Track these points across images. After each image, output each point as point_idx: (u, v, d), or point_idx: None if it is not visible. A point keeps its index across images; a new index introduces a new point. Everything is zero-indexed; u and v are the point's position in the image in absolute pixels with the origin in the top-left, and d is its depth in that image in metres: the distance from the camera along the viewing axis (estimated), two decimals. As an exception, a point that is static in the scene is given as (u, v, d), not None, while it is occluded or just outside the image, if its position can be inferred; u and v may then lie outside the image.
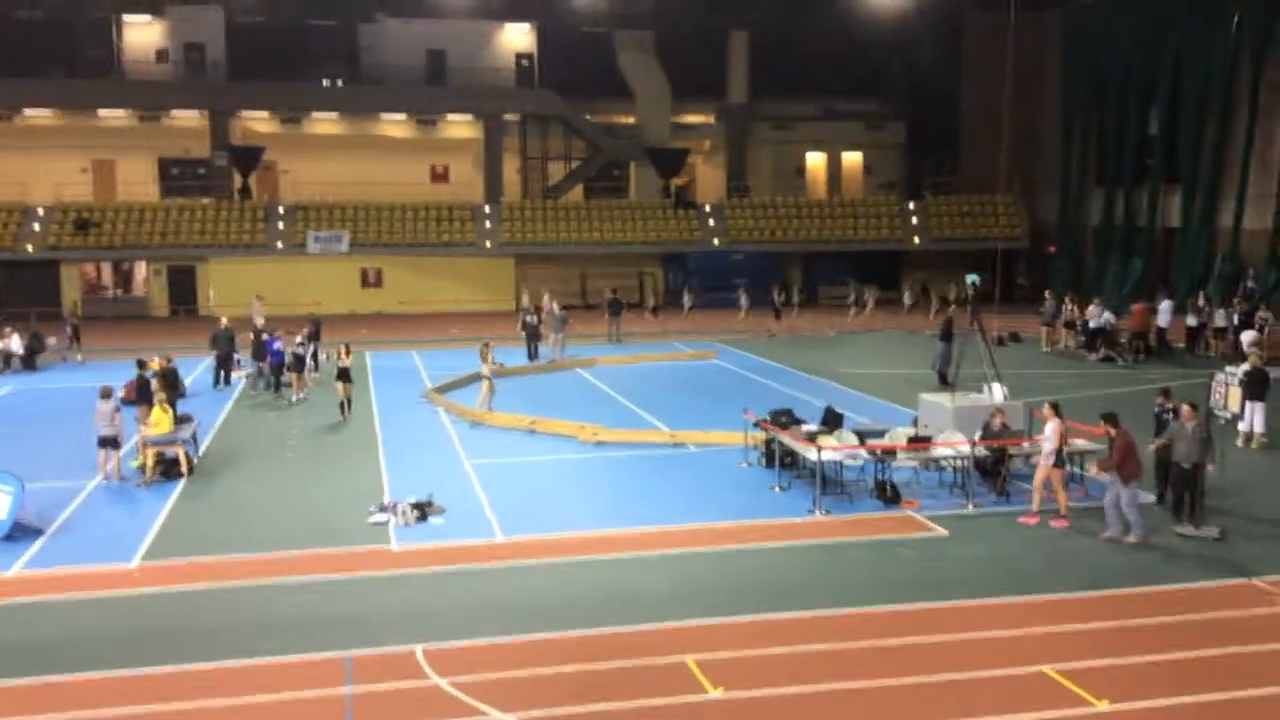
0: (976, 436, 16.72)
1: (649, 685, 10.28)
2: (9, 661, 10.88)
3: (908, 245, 49.35)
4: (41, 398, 25.97)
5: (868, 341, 35.94)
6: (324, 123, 51.30)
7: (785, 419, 18.17)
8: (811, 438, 16.90)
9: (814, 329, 38.22)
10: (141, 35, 49.41)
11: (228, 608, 12.33)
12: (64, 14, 47.22)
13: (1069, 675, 10.33)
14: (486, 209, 48.57)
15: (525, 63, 51.85)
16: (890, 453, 16.59)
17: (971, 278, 22.29)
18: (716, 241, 48.41)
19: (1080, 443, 16.55)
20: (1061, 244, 46.99)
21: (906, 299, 40.86)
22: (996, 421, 16.75)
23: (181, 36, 48.54)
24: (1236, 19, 38.18)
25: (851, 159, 56.83)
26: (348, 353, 23.14)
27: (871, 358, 32.04)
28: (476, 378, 24.60)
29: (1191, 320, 32.07)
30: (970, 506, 15.89)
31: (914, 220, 50.13)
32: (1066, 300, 34.44)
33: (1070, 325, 33.06)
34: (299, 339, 26.33)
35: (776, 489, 17.00)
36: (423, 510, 15.68)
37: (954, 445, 16.84)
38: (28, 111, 48.22)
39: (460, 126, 52.16)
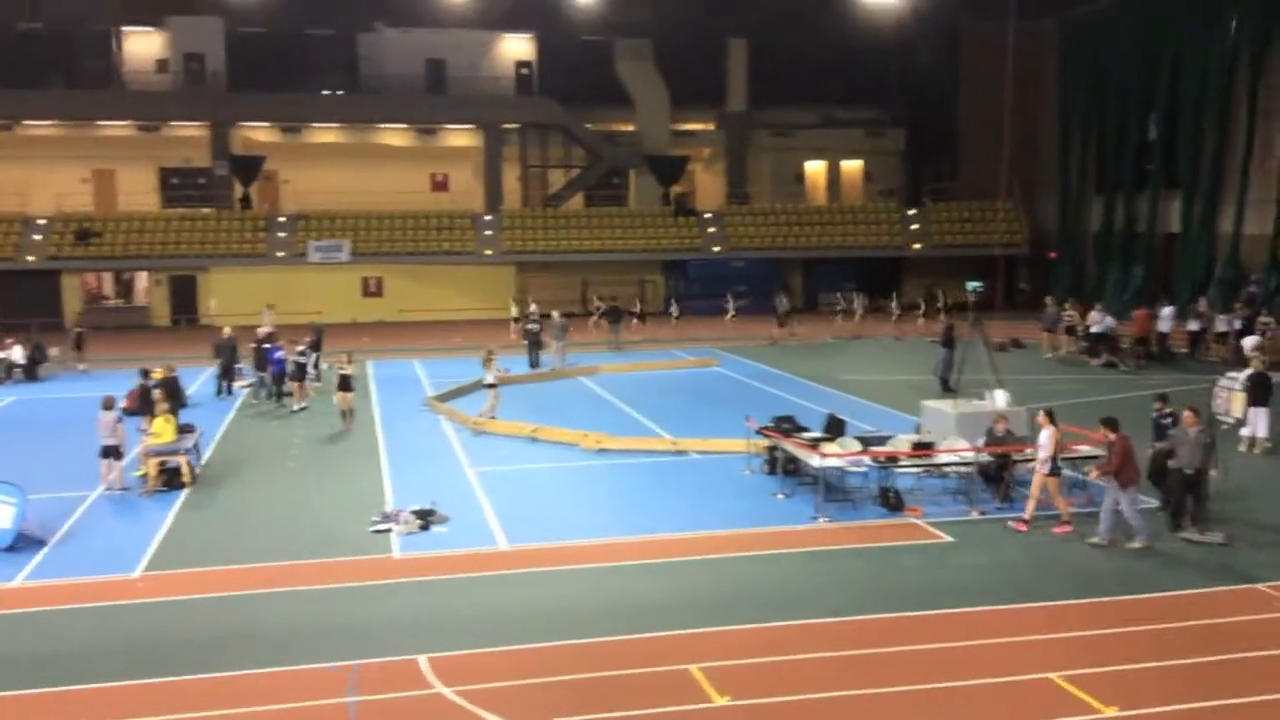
0: (980, 443, 16.70)
1: (654, 693, 10.25)
2: (12, 672, 10.85)
3: (908, 252, 49.37)
4: (43, 408, 25.97)
5: (868, 348, 35.93)
6: (324, 132, 51.37)
7: (788, 426, 18.16)
8: (814, 444, 16.89)
9: (814, 336, 38.16)
10: (141, 46, 49.52)
11: (231, 617, 12.31)
12: (64, 25, 47.29)
13: (1076, 682, 10.30)
14: (487, 217, 48.60)
15: (525, 71, 51.94)
16: (893, 459, 16.56)
17: (972, 284, 22.32)
18: (717, 249, 48.45)
19: (1084, 448, 16.52)
20: (1062, 250, 47.02)
21: (895, 307, 40.91)
22: (1000, 428, 16.73)
23: (181, 47, 48.63)
24: (1235, 23, 38.22)
25: (851, 166, 56.89)
26: (349, 361, 23.14)
27: (873, 364, 32.02)
28: (479, 386, 24.60)
29: (1193, 325, 32.09)
30: (974, 513, 15.87)
31: (914, 227, 50.16)
32: (1066, 306, 34.46)
33: (1071, 331, 33.06)
34: (300, 348, 26.32)
35: (780, 496, 16.98)
36: (425, 519, 15.66)
37: (958, 452, 16.80)
38: (28, 122, 48.28)
39: (460, 135, 52.23)
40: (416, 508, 15.93)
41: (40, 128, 48.60)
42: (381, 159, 51.28)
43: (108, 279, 48.87)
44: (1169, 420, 16.11)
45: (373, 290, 46.46)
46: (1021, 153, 49.56)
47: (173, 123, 49.30)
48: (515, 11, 47.43)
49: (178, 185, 49.92)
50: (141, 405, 21.44)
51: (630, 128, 53.04)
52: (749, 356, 33.56)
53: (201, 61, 48.49)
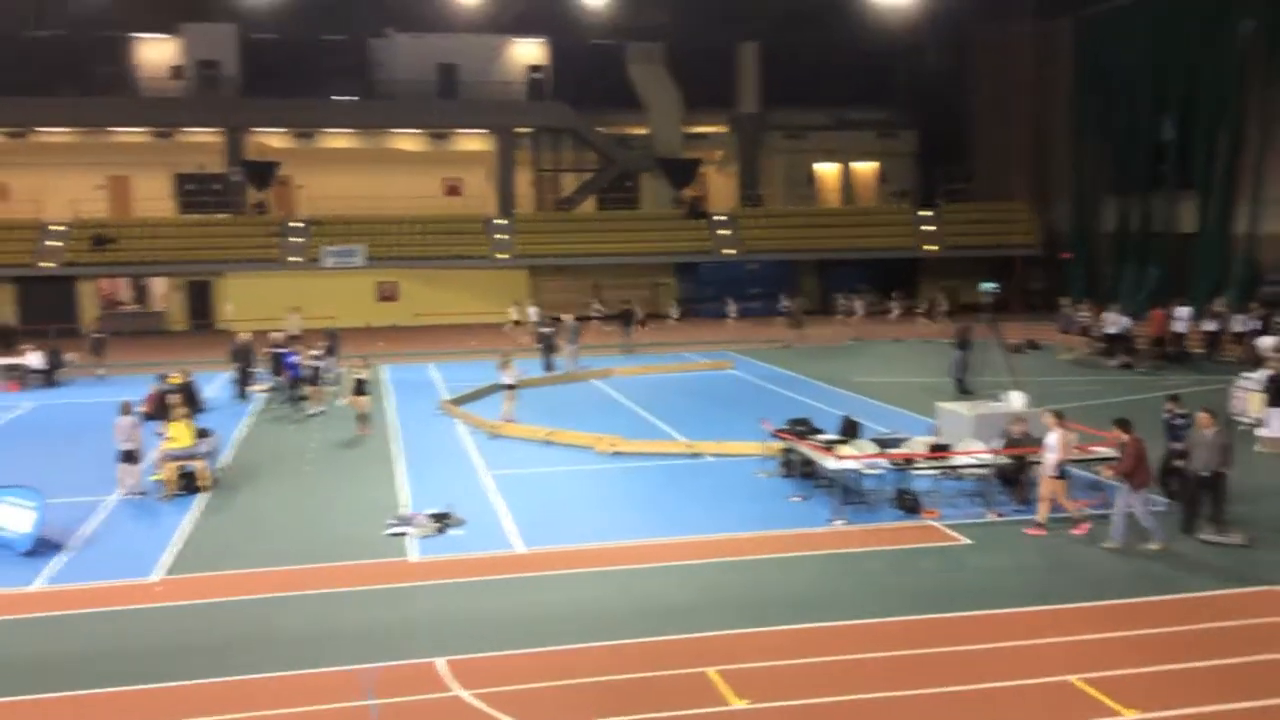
0: (997, 445, 16.64)
1: (671, 696, 10.25)
2: (32, 676, 10.91)
3: (922, 253, 49.27)
4: (62, 413, 26.09)
5: (881, 350, 35.86)
6: (337, 137, 51.56)
7: (803, 428, 18.14)
8: (829, 447, 16.86)
9: (825, 339, 38.07)
10: (156, 52, 49.78)
11: (249, 621, 12.35)
12: (78, 32, 47.55)
13: (1096, 684, 10.26)
14: (499, 221, 48.69)
15: (537, 75, 52.04)
16: (910, 461, 16.51)
17: (986, 286, 22.25)
18: (731, 251, 48.44)
19: (1102, 450, 16.44)
20: (1076, 251, 46.85)
21: (895, 310, 40.82)
22: (1017, 429, 16.68)
23: (195, 53, 48.86)
24: (1248, 23, 38.04)
25: (863, 168, 56.82)
26: (365, 366, 23.20)
27: (886, 366, 31.96)
28: (496, 389, 24.62)
29: (1209, 326, 31.93)
30: (992, 515, 15.82)
31: (928, 228, 50.06)
32: (1078, 306, 34.30)
33: (1085, 332, 32.93)
34: (316, 352, 26.42)
35: (797, 499, 16.96)
36: (442, 522, 15.69)
37: (974, 454, 16.76)
38: (43, 129, 48.57)
39: (473, 140, 52.34)
40: (433, 511, 15.96)
41: (55, 134, 48.90)
42: (394, 164, 51.45)
43: (124, 284, 49.14)
44: (1182, 422, 16.01)
45: (387, 295, 46.59)
46: (1035, 153, 49.52)
47: (187, 129, 49.55)
48: (526, 16, 47.50)
49: (192, 191, 50.17)
50: (159, 410, 21.54)
51: (642, 131, 53.07)
52: (763, 359, 33.53)
53: (215, 68, 48.71)
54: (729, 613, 12.31)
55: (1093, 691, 10.13)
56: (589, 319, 35.29)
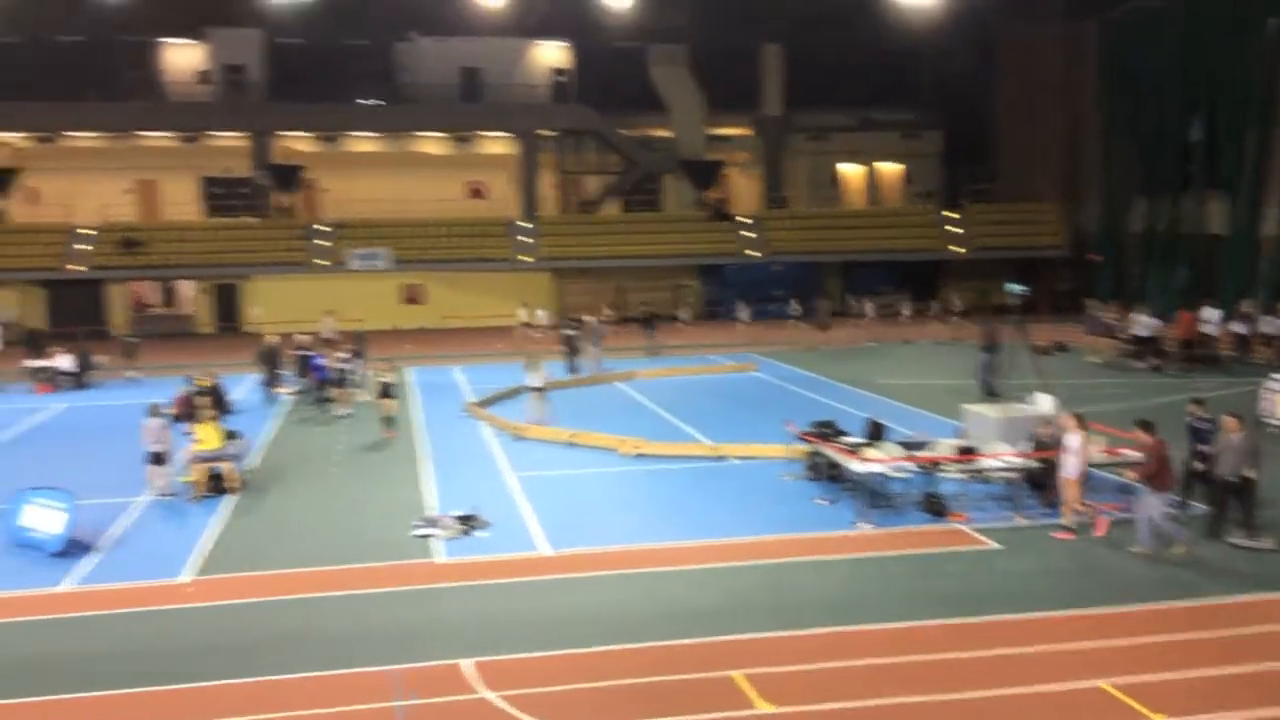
0: (1025, 447, 16.54)
1: (697, 700, 10.24)
2: (62, 676, 11.01)
3: (947, 255, 49.04)
4: (92, 415, 26.32)
5: (906, 352, 35.70)
6: (362, 141, 51.84)
7: (828, 431, 18.08)
8: (855, 449, 16.80)
9: (849, 340, 37.91)
10: (183, 57, 50.22)
11: (277, 622, 12.43)
12: (107, 38, 48.03)
13: (1126, 690, 10.19)
14: (523, 224, 48.80)
15: (560, 78, 52.15)
16: (936, 464, 16.43)
17: (1013, 287, 22.11)
18: (755, 253, 48.36)
19: (1131, 454, 16.30)
20: (1104, 252, 46.50)
21: (905, 310, 40.56)
22: (1045, 432, 16.56)
23: (222, 58, 49.25)
24: (1275, 22, 37.64)
25: (888, 169, 56.62)
26: (391, 369, 23.29)
27: (911, 368, 31.81)
28: (523, 390, 24.65)
29: (1238, 328, 31.62)
30: (1020, 519, 15.72)
31: (953, 229, 49.83)
32: (1105, 307, 34.02)
33: (1112, 334, 32.66)
34: (342, 355, 26.56)
35: (822, 502, 16.91)
36: (467, 524, 15.74)
37: (1002, 457, 16.66)
38: (72, 134, 49.06)
39: (496, 143, 52.50)
40: (459, 513, 16.02)
41: (84, 139, 49.40)
42: (419, 167, 51.66)
43: (152, 288, 49.57)
44: (1205, 425, 15.81)
45: (412, 297, 46.79)
46: (1062, 154, 49.20)
47: (214, 133, 49.91)
48: (550, 19, 47.62)
49: (219, 195, 50.58)
50: (188, 412, 21.73)
51: (665, 133, 53.07)
52: (787, 361, 33.44)
53: (242, 72, 49.11)
54: (754, 616, 12.29)
55: (1123, 697, 10.05)
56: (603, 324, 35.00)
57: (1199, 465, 15.49)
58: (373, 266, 45.68)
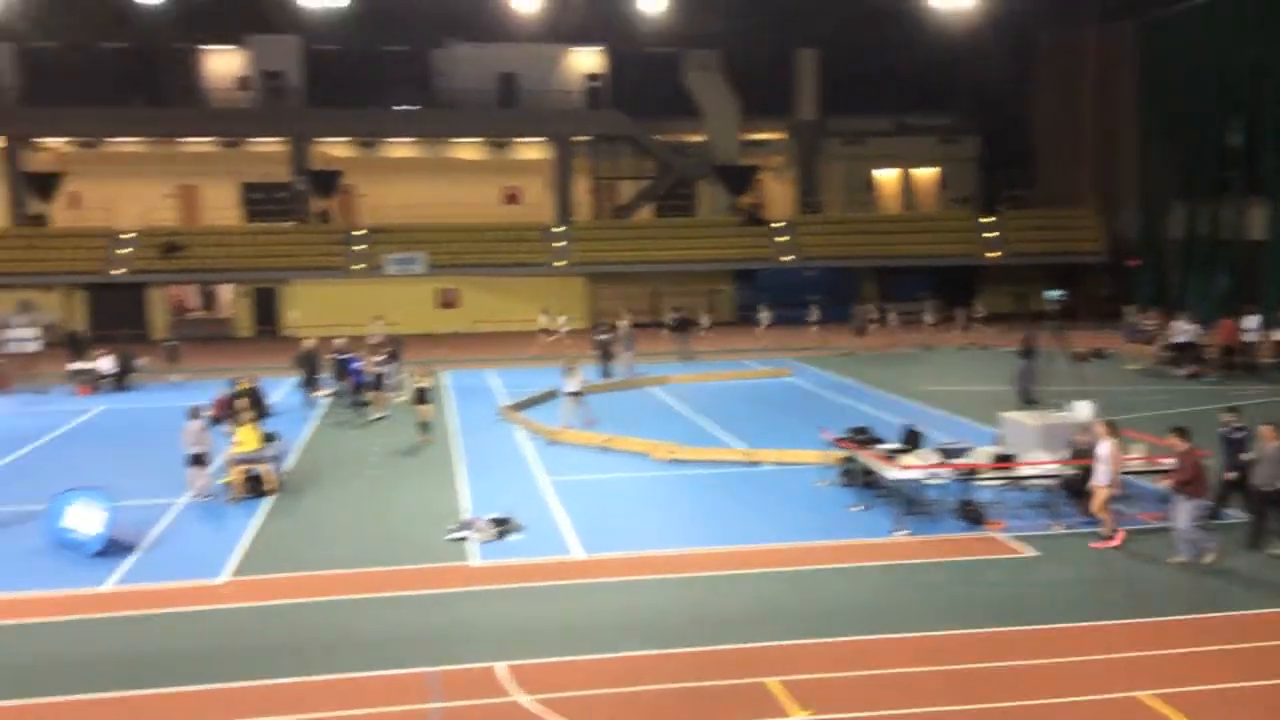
0: (1064, 455, 16.37)
1: (731, 705, 10.22)
2: (101, 675, 11.15)
3: (984, 260, 48.69)
4: (132, 417, 26.66)
5: (942, 358, 35.47)
6: (399, 146, 52.21)
7: (863, 437, 17.99)
8: (891, 456, 16.70)
9: (885, 346, 37.67)
10: (223, 64, 50.81)
11: (312, 623, 12.52)
12: (148, 45, 48.70)
13: (1166, 701, 10.05)
14: (557, 229, 48.96)
15: (595, 84, 52.29)
16: (973, 472, 16.31)
17: (1051, 293, 21.89)
18: (789, 258, 48.24)
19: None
20: (1144, 258, 46.00)
21: (928, 317, 40.13)
22: (1084, 440, 16.38)
23: (261, 65, 49.77)
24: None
25: (924, 174, 56.29)
26: (427, 374, 23.40)
27: (947, 375, 31.58)
28: (559, 395, 24.70)
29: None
30: (1057, 527, 15.56)
31: (990, 234, 49.46)
32: (1143, 314, 33.62)
33: (1151, 341, 32.26)
34: (379, 358, 26.75)
35: (857, 508, 16.82)
36: (502, 527, 15.79)
37: (1040, 464, 16.50)
38: (114, 139, 49.74)
39: (531, 148, 52.71)
40: (493, 516, 16.07)
41: (126, 144, 50.05)
42: (455, 172, 51.94)
43: (193, 291, 50.14)
44: (1240, 434, 15.56)
45: (447, 302, 47.08)
46: (1100, 159, 48.73)
47: (253, 139, 50.48)
48: (585, 25, 47.74)
49: (258, 200, 51.13)
50: (226, 414, 21.95)
51: (699, 138, 53.06)
52: (822, 366, 33.30)
53: (281, 78, 49.60)
54: (789, 622, 12.24)
55: (1163, 708, 9.92)
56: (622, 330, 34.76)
57: (1232, 475, 15.29)
58: (409, 271, 46.02)
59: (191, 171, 50.53)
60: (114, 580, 14.16)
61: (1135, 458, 16.49)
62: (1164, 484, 15.33)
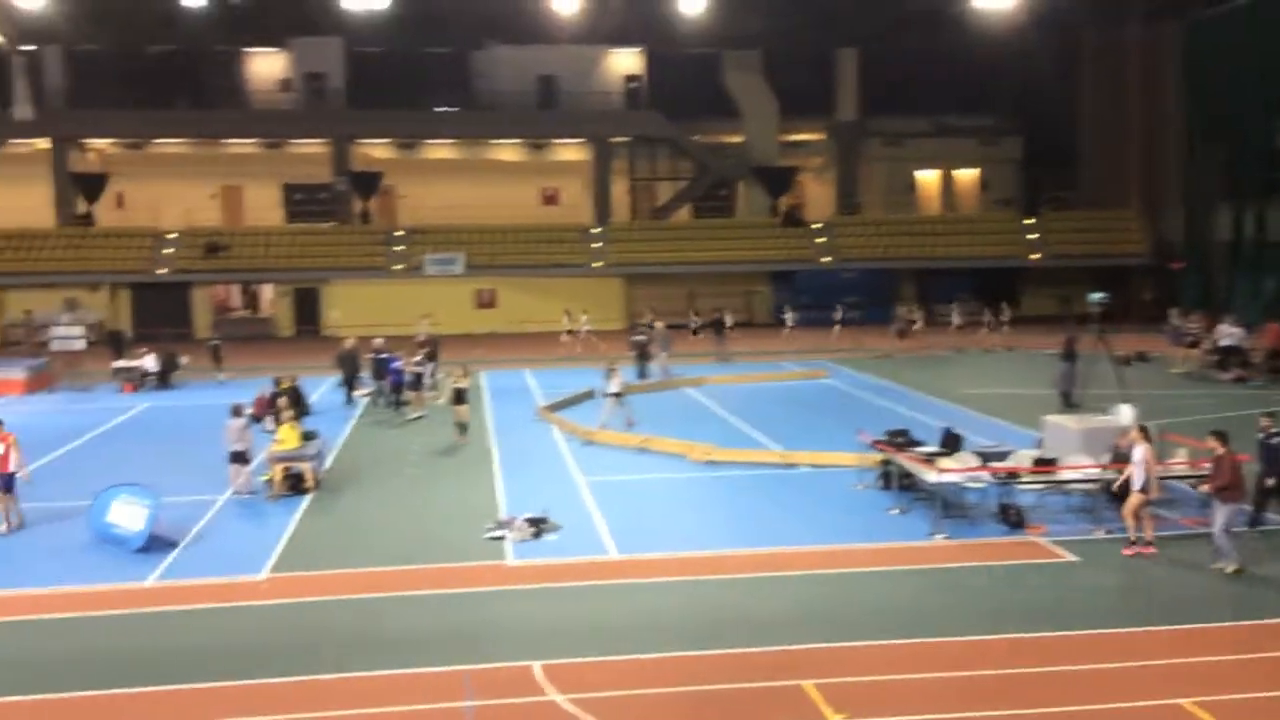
0: (1106, 459, 16.17)
1: (766, 708, 10.17)
2: (143, 669, 11.28)
3: (1026, 262, 48.23)
4: (175, 415, 26.99)
5: (981, 361, 35.17)
6: (439, 148, 52.52)
7: (902, 440, 17.86)
8: (930, 459, 16.57)
9: (919, 348, 37.37)
10: (265, 66, 51.39)
11: (350, 620, 12.61)
12: (193, 48, 49.33)
13: (1208, 709, 9.89)
14: (595, 230, 49.05)
15: (634, 85, 52.33)
16: (1014, 476, 16.13)
17: (1095, 296, 21.63)
18: (828, 260, 48.03)
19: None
20: (1188, 260, 45.36)
21: (956, 319, 39.63)
22: (1126, 444, 16.15)
23: (303, 67, 50.28)
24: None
25: (965, 175, 55.84)
26: (464, 375, 23.51)
27: (986, 377, 31.31)
28: (601, 396, 24.74)
29: (1329, 338, 30.61)
30: (1100, 532, 15.35)
31: (1032, 236, 48.98)
32: (1190, 318, 33.11)
33: (1195, 344, 31.77)
34: (417, 358, 26.92)
35: (895, 511, 16.70)
36: (538, 527, 15.82)
37: (1082, 468, 16.30)
38: (159, 141, 50.45)
39: (570, 149, 52.85)
40: (529, 515, 16.11)
41: (171, 146, 50.76)
42: (494, 174, 52.21)
43: (235, 291, 50.73)
44: (1278, 440, 15.28)
45: (485, 302, 47.31)
46: (1144, 159, 48.11)
47: (295, 140, 50.99)
48: (624, 26, 47.78)
49: (300, 200, 51.66)
50: (268, 412, 22.18)
51: (738, 139, 52.98)
52: (858, 368, 33.12)
53: (322, 80, 50.08)
54: (826, 626, 12.17)
55: (1205, 716, 9.76)
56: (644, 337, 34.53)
57: (1271, 480, 15.04)
58: (448, 271, 46.30)
59: (234, 172, 51.14)
60: (156, 575, 14.34)
61: (1178, 462, 16.26)
62: (1202, 489, 15.11)
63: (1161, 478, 15.56)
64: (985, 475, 16.02)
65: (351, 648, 11.73)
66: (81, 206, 48.62)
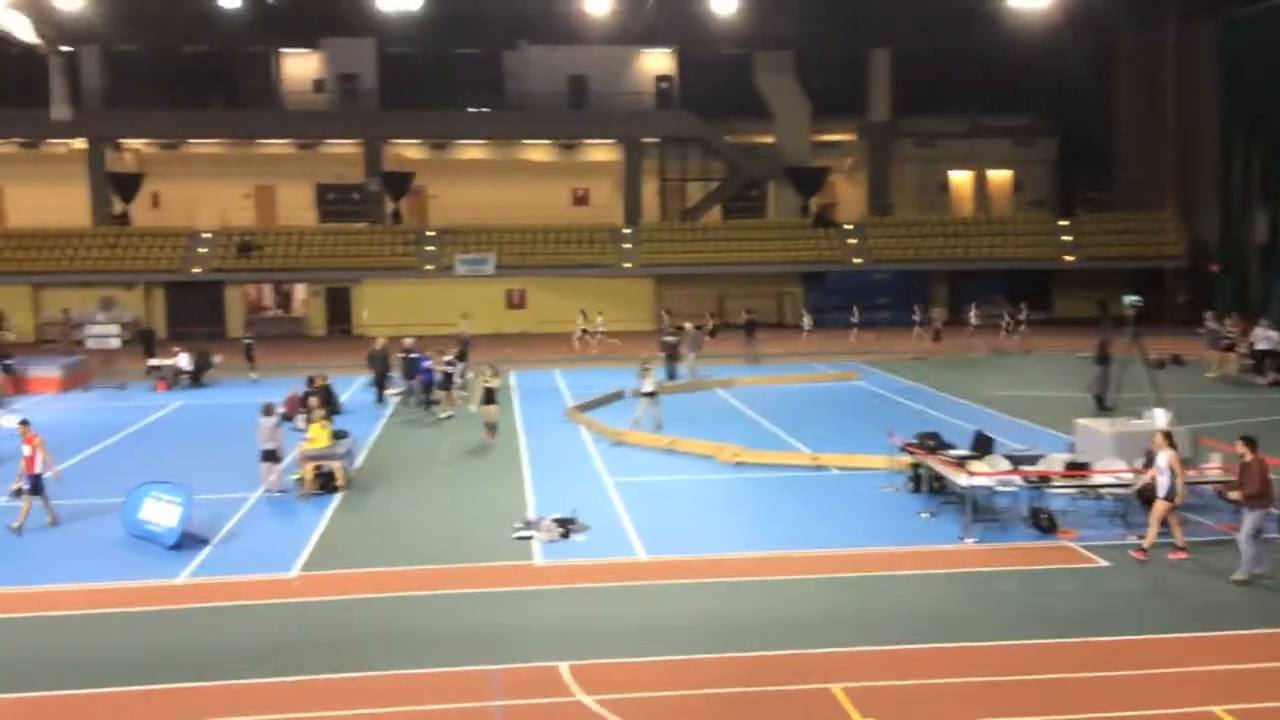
0: (1139, 464, 16.00)
1: (794, 711, 10.13)
2: (174, 665, 11.39)
3: (1060, 264, 47.81)
4: (208, 413, 27.22)
5: (1012, 363, 34.89)
6: (470, 148, 52.73)
7: (933, 443, 17.75)
8: (961, 462, 16.45)
9: (954, 351, 37.11)
10: (299, 67, 51.80)
11: (380, 618, 12.68)
12: (226, 48, 49.81)
13: (1239, 716, 9.78)
14: (626, 230, 49.07)
15: (665, 85, 52.32)
16: (1045, 479, 15.98)
17: (1130, 299, 21.38)
18: (859, 261, 47.82)
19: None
20: (1225, 262, 44.80)
21: (974, 320, 39.15)
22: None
23: (336, 67, 50.63)
24: None
25: (998, 176, 55.41)
26: (494, 375, 23.56)
27: (1018, 380, 31.06)
28: (634, 395, 24.75)
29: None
30: (1132, 537, 15.18)
31: (1066, 238, 48.54)
32: (1226, 321, 32.67)
33: (1231, 348, 31.35)
34: (448, 358, 27.02)
35: (925, 515, 16.60)
36: (566, 527, 15.85)
37: (1115, 473, 16.13)
38: (194, 141, 50.96)
39: (601, 150, 52.91)
40: (558, 516, 16.13)
41: (205, 146, 51.26)
42: (525, 174, 52.36)
43: (268, 290, 51.18)
44: None
45: (516, 302, 47.46)
46: (1180, 161, 47.55)
47: (328, 140, 51.35)
48: (656, 27, 47.77)
49: (333, 200, 52.04)
50: (300, 411, 22.32)
51: (769, 139, 52.85)
52: (891, 370, 32.95)
53: (355, 81, 50.41)
54: (855, 629, 12.12)
55: (1240, 725, 9.65)
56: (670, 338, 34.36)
57: None
58: (479, 271, 46.48)
59: (268, 172, 51.57)
60: (188, 572, 14.47)
61: (1212, 467, 16.06)
62: (1231, 496, 14.91)
63: (1194, 483, 15.40)
64: (1016, 479, 15.90)
65: (380, 646, 11.79)
66: (117, 206, 49.19)
